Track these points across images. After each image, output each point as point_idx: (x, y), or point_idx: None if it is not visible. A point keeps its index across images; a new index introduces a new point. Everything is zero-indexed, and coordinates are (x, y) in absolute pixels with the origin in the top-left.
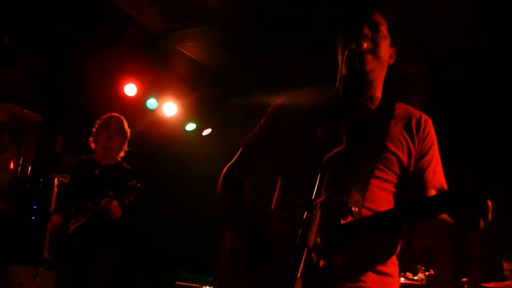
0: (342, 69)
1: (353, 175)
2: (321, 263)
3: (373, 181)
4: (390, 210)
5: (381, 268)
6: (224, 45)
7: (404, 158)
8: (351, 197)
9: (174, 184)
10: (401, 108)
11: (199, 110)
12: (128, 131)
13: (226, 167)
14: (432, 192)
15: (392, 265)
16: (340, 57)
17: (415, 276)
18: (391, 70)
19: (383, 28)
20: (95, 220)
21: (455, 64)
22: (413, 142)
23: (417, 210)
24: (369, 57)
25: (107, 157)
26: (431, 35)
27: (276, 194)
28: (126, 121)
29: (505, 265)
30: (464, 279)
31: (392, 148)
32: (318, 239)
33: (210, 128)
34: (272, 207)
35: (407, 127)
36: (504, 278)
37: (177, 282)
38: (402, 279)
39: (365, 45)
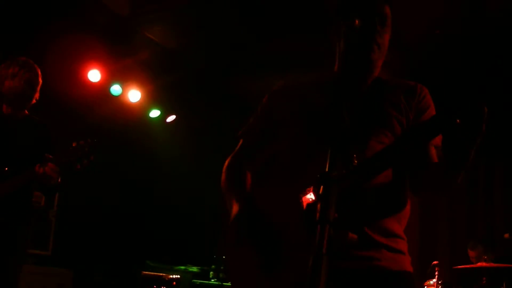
0: (344, 52)
1: (355, 141)
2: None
3: (372, 138)
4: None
5: (393, 244)
6: (191, 31)
7: (403, 119)
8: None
9: (137, 171)
10: (396, 80)
11: (164, 96)
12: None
13: (228, 158)
14: (432, 148)
15: (402, 241)
16: (340, 40)
17: None
18: None
19: (389, 21)
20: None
21: (424, 50)
22: (410, 107)
23: (413, 134)
24: (376, 49)
25: (18, 109)
26: (400, 21)
27: (270, 175)
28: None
29: (471, 253)
30: (435, 262)
31: (391, 111)
32: (336, 214)
33: (174, 115)
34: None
35: (404, 94)
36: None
37: (143, 272)
38: None
39: (377, 39)
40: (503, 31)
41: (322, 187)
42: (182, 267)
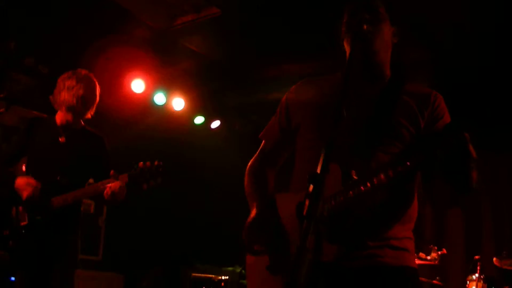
0: (348, 53)
1: (359, 146)
2: (330, 235)
3: (380, 148)
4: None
5: (396, 243)
6: (229, 38)
7: (412, 129)
8: (355, 165)
9: (184, 178)
10: (411, 86)
11: (207, 103)
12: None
13: (250, 161)
14: None
15: (408, 240)
16: (345, 44)
17: (428, 256)
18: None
19: (381, 10)
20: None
21: (457, 48)
22: (423, 116)
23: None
24: (373, 38)
25: (74, 121)
26: (432, 18)
27: (286, 178)
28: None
29: None
30: (477, 257)
31: (402, 120)
32: (325, 211)
33: (219, 120)
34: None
35: (417, 101)
36: None
37: (193, 274)
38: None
39: (365, 27)
40: None
41: (311, 185)
42: (230, 268)
